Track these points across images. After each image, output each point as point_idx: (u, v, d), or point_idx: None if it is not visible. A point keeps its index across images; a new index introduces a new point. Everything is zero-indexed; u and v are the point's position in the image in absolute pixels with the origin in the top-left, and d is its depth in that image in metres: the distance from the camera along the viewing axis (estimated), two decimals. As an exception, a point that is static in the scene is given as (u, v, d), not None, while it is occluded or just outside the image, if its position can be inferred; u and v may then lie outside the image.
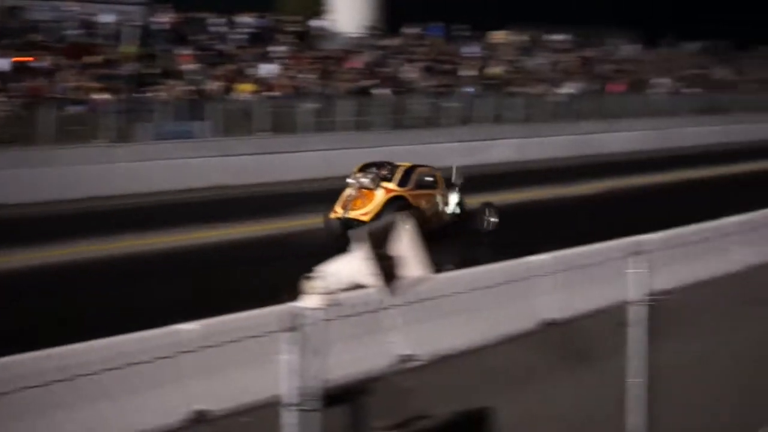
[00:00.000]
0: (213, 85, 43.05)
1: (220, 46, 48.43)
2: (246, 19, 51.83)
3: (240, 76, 44.71)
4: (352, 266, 4.77)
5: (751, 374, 11.34)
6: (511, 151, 45.68)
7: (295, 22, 53.89)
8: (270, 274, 19.26)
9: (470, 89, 52.23)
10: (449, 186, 24.97)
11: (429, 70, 53.41)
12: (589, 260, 10.65)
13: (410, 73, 52.17)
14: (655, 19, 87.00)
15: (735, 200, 28.53)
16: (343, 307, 5.74)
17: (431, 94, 49.42)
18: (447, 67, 55.02)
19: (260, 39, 50.54)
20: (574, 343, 12.28)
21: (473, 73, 55.12)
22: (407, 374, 12.40)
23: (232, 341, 7.68)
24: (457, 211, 24.93)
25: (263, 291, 13.34)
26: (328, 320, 5.48)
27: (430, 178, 24.48)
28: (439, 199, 24.44)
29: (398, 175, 23.66)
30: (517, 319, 13.81)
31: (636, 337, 8.24)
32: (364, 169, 24.02)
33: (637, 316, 8.21)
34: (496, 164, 43.09)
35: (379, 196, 23.08)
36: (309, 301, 5.06)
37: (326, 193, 32.87)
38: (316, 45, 53.35)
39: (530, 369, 10.27)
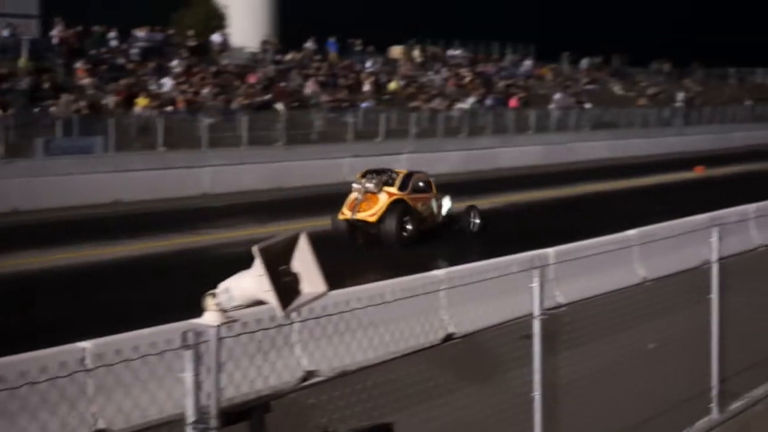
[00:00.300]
0: (110, 100, 42.55)
1: (117, 61, 47.91)
2: (143, 33, 51.33)
3: (137, 90, 44.24)
4: (250, 283, 4.68)
5: (647, 383, 11.47)
6: (408, 167, 45.80)
7: (192, 37, 53.51)
8: (168, 290, 19.05)
9: (368, 104, 52.33)
10: (441, 191, 27.78)
11: (326, 85, 53.40)
12: (492, 274, 10.69)
13: (308, 88, 52.12)
14: (552, 35, 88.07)
15: (631, 213, 29.00)
16: (243, 323, 5.66)
17: (329, 109, 49.45)
18: (344, 82, 55.07)
19: (158, 53, 50.10)
20: (478, 357, 12.34)
21: (371, 88, 55.24)
22: (310, 390, 12.32)
23: (133, 359, 7.55)
24: (447, 212, 27.70)
25: (162, 307, 13.17)
26: (228, 337, 5.40)
27: (425, 184, 27.15)
28: (433, 202, 27.11)
29: (398, 181, 26.13)
30: (421, 333, 13.81)
31: (539, 349, 8.27)
32: (365, 175, 26.35)
33: (539, 329, 8.23)
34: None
35: (383, 199, 25.52)
36: (209, 317, 4.96)
37: (221, 209, 32.87)
38: (214, 60, 53.05)
39: (434, 383, 10.26)
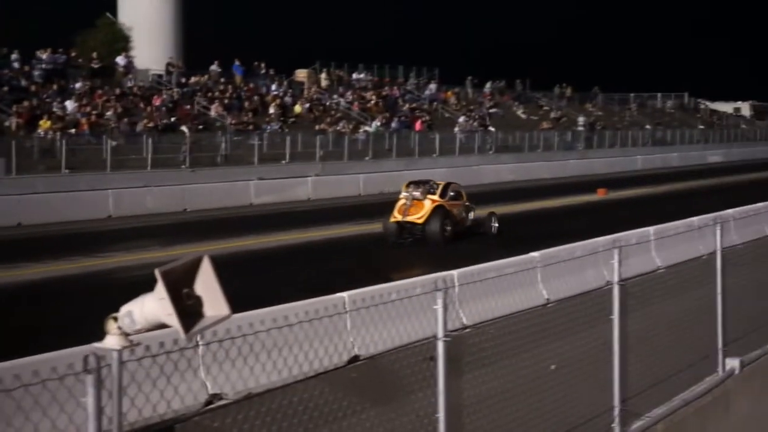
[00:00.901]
0: (12, 122, 41.96)
1: (19, 82, 47.27)
2: (46, 55, 50.68)
3: (40, 112, 43.68)
4: (152, 306, 4.65)
5: (550, 404, 11.57)
6: (311, 190, 45.84)
7: (96, 59, 52.97)
8: (70, 314, 18.79)
9: (273, 127, 52.29)
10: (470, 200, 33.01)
11: (231, 108, 53.24)
12: (397, 296, 10.73)
13: (213, 110, 51.92)
14: (456, 59, 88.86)
15: (535, 236, 29.29)
16: (146, 347, 5.62)
17: (234, 132, 49.32)
18: (250, 104, 54.96)
19: (61, 75, 49.55)
20: (383, 379, 12.36)
21: (276, 110, 55.20)
22: (214, 414, 12.23)
23: (33, 383, 7.42)
24: (473, 217, 32.62)
25: (64, 331, 13.00)
26: (130, 361, 5.36)
27: (456, 193, 32.21)
28: (463, 208, 32.14)
29: (439, 190, 31.08)
30: (326, 356, 13.80)
31: (443, 371, 8.31)
32: (410, 185, 31.40)
33: (443, 351, 8.28)
34: (296, 202, 43.22)
35: (428, 204, 30.42)
36: (111, 341, 4.92)
37: (125, 232, 32.53)
38: (118, 82, 52.59)
39: (338, 405, 10.25)
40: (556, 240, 23.14)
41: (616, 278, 11.25)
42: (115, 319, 4.85)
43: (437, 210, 30.40)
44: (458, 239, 30.82)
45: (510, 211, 39.93)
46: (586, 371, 12.27)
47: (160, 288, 4.52)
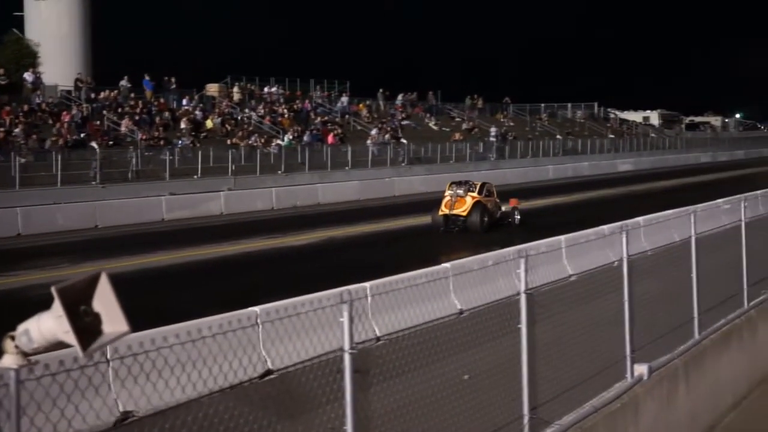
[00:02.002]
0: None
1: None
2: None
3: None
4: (49, 324, 4.58)
5: (462, 414, 11.62)
6: (223, 204, 45.62)
7: (3, 75, 52.21)
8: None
9: (184, 141, 51.99)
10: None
11: (142, 123, 52.81)
12: (305, 309, 10.71)
13: (123, 126, 51.46)
14: (367, 72, 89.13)
15: (448, 246, 29.49)
16: (45, 365, 5.54)
17: (145, 147, 48.93)
18: (160, 120, 54.57)
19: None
20: (293, 392, 12.33)
21: (187, 125, 54.89)
22: (126, 430, 12.11)
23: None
24: (503, 209, 39.16)
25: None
26: (29, 380, 5.29)
27: (489, 191, 38.63)
28: (495, 203, 38.83)
29: (477, 188, 37.82)
30: (239, 369, 13.72)
31: (350, 383, 8.31)
32: (452, 185, 38.14)
33: (350, 363, 8.28)
34: (209, 217, 43.01)
35: (469, 200, 37.22)
36: (8, 360, 4.83)
37: (34, 250, 32.07)
38: (26, 98, 51.90)
39: (246, 420, 10.18)
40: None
41: (522, 287, 11.35)
42: (12, 338, 4.77)
43: (477, 205, 37.15)
44: (492, 229, 37.24)
45: (420, 223, 40.12)
46: (498, 380, 12.34)
47: (57, 305, 4.45)
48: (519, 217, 39.17)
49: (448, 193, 37.78)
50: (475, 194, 37.45)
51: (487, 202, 37.91)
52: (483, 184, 38.39)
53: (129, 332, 4.70)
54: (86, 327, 4.55)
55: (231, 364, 13.38)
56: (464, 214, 36.89)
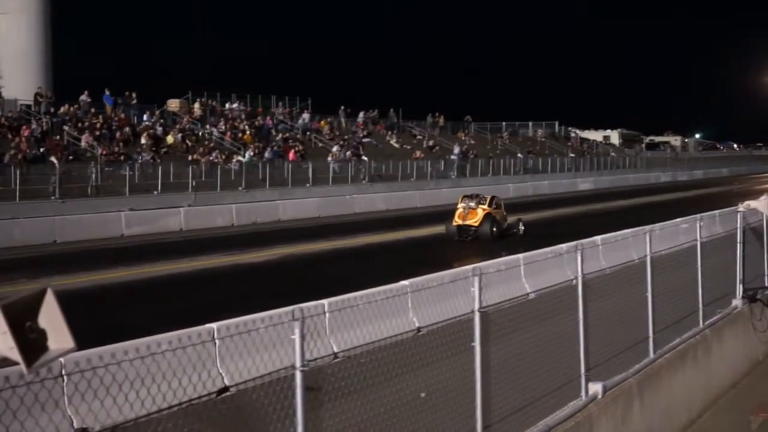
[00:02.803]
0: None
1: None
2: None
3: None
4: (-6, 340, 4.56)
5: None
6: (183, 220, 45.47)
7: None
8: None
9: (145, 157, 51.79)
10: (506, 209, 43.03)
11: (102, 138, 52.57)
12: (258, 326, 10.69)
13: (83, 141, 51.20)
14: (328, 89, 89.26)
15: (407, 263, 29.48)
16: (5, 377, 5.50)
17: (105, 163, 48.69)
18: (121, 135, 54.31)
19: None
20: (246, 411, 12.30)
21: (148, 141, 54.69)
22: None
23: None
24: (509, 221, 42.69)
25: None
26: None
27: (498, 204, 42.23)
28: (503, 214, 42.36)
29: (487, 201, 41.47)
30: (196, 386, 13.67)
31: (301, 401, 8.30)
32: (464, 197, 42.05)
33: (301, 381, 8.28)
34: (169, 233, 42.87)
35: (480, 212, 40.78)
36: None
37: None
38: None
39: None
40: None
41: (476, 306, 11.39)
42: (-43, 354, 4.75)
43: (487, 216, 40.76)
44: (501, 238, 40.39)
45: (381, 240, 40.17)
46: (453, 398, 12.36)
47: (1, 321, 4.43)
48: (523, 228, 42.82)
49: (460, 205, 41.64)
50: (485, 206, 41.16)
51: (496, 214, 41.62)
52: (492, 198, 42.21)
53: (75, 349, 4.68)
54: (31, 343, 4.53)
55: (188, 380, 13.34)
56: (476, 224, 40.52)
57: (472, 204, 41.31)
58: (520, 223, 43.16)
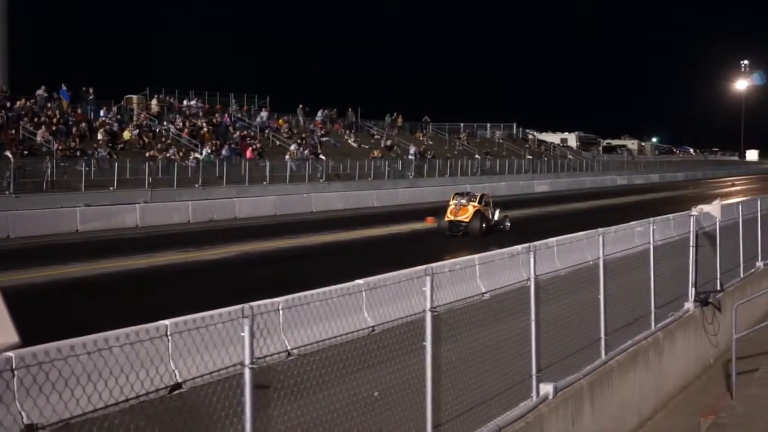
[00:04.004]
0: None
1: None
2: None
3: None
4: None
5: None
6: (139, 217, 45.28)
7: None
8: None
9: (101, 153, 51.49)
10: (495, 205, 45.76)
11: (58, 133, 52.20)
12: (210, 322, 10.65)
13: (39, 135, 50.83)
14: (287, 87, 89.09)
15: (364, 263, 29.48)
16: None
17: (61, 158, 48.35)
18: (77, 130, 53.96)
19: None
20: (197, 409, 12.24)
21: (105, 136, 54.38)
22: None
23: None
24: (496, 218, 45.03)
25: None
26: None
27: (487, 201, 44.68)
28: (491, 211, 44.85)
29: (478, 198, 44.16)
30: (146, 381, 13.60)
31: (249, 400, 8.28)
32: (456, 195, 44.62)
33: (250, 379, 8.26)
34: (124, 229, 42.67)
35: (471, 209, 43.36)
36: None
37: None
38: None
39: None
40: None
41: (428, 305, 11.41)
42: None
43: (477, 213, 43.35)
44: (489, 233, 42.61)
45: (338, 239, 40.15)
46: (405, 397, 12.37)
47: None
48: (509, 224, 45.38)
49: (452, 202, 44.12)
50: (475, 203, 43.68)
51: (485, 210, 44.11)
52: (482, 195, 44.93)
53: (19, 344, 4.67)
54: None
55: (137, 377, 13.27)
56: (467, 220, 43.00)
57: (463, 201, 43.77)
58: (507, 220, 45.67)
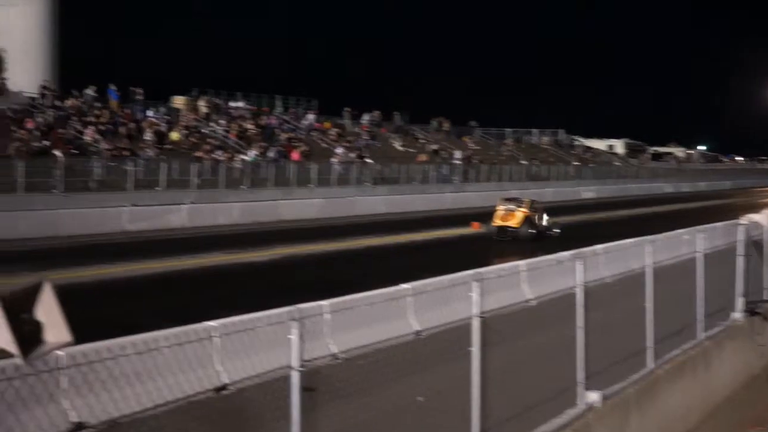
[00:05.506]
0: None
1: None
2: None
3: None
4: (-9, 331, 4.54)
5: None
6: (186, 217, 45.48)
7: (-33, 80, 51.83)
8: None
9: (149, 153, 51.76)
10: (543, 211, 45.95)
11: (107, 133, 52.52)
12: (255, 325, 10.67)
13: (87, 135, 51.17)
14: (334, 90, 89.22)
15: (409, 267, 29.43)
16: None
17: (109, 157, 48.63)
18: (125, 130, 54.27)
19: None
20: (244, 411, 12.26)
21: (152, 137, 54.65)
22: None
23: None
24: (545, 224, 45.09)
25: None
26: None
27: (536, 207, 45.20)
28: (539, 216, 44.92)
29: (526, 203, 44.66)
30: (194, 383, 13.64)
31: (297, 401, 8.28)
32: (504, 200, 45.33)
33: (298, 381, 8.25)
34: (171, 229, 42.84)
35: (519, 214, 43.77)
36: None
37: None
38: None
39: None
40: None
41: (475, 311, 11.36)
42: (-46, 344, 4.73)
43: (526, 218, 43.72)
44: (538, 239, 42.56)
45: (383, 243, 40.12)
46: (450, 403, 12.34)
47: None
48: (559, 230, 45.13)
49: (500, 207, 44.71)
50: (524, 209, 44.22)
51: (534, 216, 44.44)
52: (531, 201, 45.56)
53: (71, 342, 4.67)
54: (27, 335, 4.51)
55: (185, 377, 13.31)
56: (515, 226, 43.40)
57: (512, 206, 44.39)
58: (556, 226, 45.57)
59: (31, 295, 4.58)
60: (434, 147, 79.76)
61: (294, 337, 8.17)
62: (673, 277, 20.02)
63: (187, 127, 59.92)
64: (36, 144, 46.84)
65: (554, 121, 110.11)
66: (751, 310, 23.24)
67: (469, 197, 67.30)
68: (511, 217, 43.68)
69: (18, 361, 4.49)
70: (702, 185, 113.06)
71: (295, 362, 8.16)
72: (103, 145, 50.16)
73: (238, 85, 73.36)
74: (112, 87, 59.66)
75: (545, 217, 45.84)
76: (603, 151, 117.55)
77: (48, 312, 4.58)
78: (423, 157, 74.48)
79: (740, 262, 23.26)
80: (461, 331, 12.55)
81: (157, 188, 48.01)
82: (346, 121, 76.89)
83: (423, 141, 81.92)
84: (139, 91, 61.39)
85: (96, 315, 20.48)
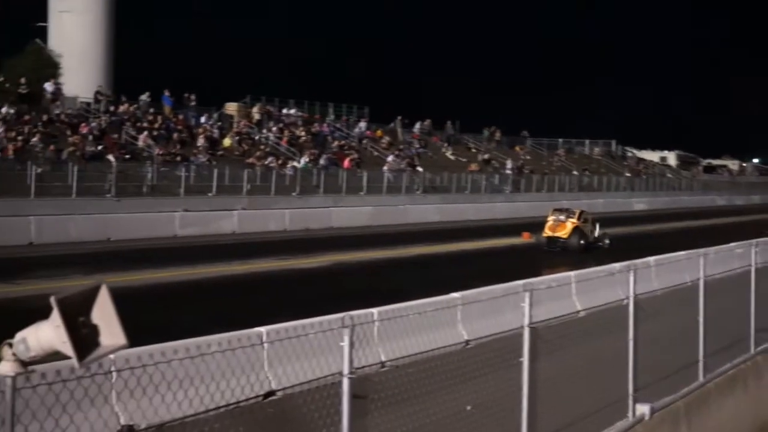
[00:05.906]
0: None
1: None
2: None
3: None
4: (47, 333, 4.60)
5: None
6: (237, 223, 45.66)
7: (24, 85, 52.27)
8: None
9: (201, 159, 52.06)
10: (594, 222, 45.83)
11: (159, 139, 52.91)
12: (308, 331, 10.72)
13: (140, 140, 51.57)
14: (386, 98, 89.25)
15: (458, 276, 29.42)
16: (42, 374, 5.55)
17: (161, 163, 48.97)
18: (178, 136, 54.65)
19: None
20: (292, 415, 12.34)
21: (205, 143, 54.98)
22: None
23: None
24: (596, 235, 45.10)
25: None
26: (25, 388, 5.30)
27: (587, 218, 45.15)
28: (590, 227, 45.03)
29: (577, 214, 44.54)
30: (244, 388, 13.72)
31: (347, 408, 8.29)
32: (555, 211, 45.23)
33: (348, 388, 8.27)
34: (222, 235, 43.03)
35: (569, 225, 43.71)
36: (5, 367, 4.86)
37: (46, 259, 32.08)
38: (46, 108, 52.05)
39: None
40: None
41: (526, 321, 11.32)
42: (10, 345, 4.80)
43: (576, 229, 43.61)
44: (588, 250, 42.60)
45: (433, 251, 40.05)
46: (498, 412, 12.32)
47: (56, 315, 4.48)
48: (609, 241, 45.26)
49: (551, 218, 44.72)
50: (574, 220, 44.15)
51: (584, 227, 44.40)
52: (581, 212, 45.54)
53: (126, 346, 4.72)
54: (83, 338, 4.57)
55: (236, 382, 13.40)
56: (565, 236, 43.31)
57: (562, 217, 44.39)
58: (606, 237, 45.55)
59: (88, 299, 4.64)
60: (485, 156, 79.61)
61: (345, 344, 8.17)
62: (725, 291, 19.86)
63: (239, 134, 60.20)
64: (90, 149, 47.26)
65: (606, 132, 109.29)
66: (804, 325, 22.95)
67: (520, 207, 67.01)
68: (561, 227, 43.67)
69: (74, 363, 4.54)
70: (756, 198, 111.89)
71: (346, 369, 8.17)
72: (156, 151, 50.53)
73: (291, 92, 73.45)
74: (167, 93, 60.10)
75: (596, 227, 45.79)
76: (655, 162, 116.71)
77: (104, 315, 4.64)
78: (474, 167, 74.35)
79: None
80: (510, 340, 12.51)
81: (208, 194, 48.27)
82: (398, 130, 76.84)
83: (474, 150, 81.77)
84: (193, 97, 61.79)
85: (146, 319, 20.63)
